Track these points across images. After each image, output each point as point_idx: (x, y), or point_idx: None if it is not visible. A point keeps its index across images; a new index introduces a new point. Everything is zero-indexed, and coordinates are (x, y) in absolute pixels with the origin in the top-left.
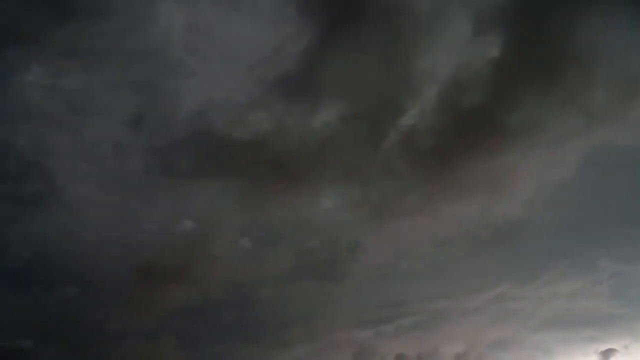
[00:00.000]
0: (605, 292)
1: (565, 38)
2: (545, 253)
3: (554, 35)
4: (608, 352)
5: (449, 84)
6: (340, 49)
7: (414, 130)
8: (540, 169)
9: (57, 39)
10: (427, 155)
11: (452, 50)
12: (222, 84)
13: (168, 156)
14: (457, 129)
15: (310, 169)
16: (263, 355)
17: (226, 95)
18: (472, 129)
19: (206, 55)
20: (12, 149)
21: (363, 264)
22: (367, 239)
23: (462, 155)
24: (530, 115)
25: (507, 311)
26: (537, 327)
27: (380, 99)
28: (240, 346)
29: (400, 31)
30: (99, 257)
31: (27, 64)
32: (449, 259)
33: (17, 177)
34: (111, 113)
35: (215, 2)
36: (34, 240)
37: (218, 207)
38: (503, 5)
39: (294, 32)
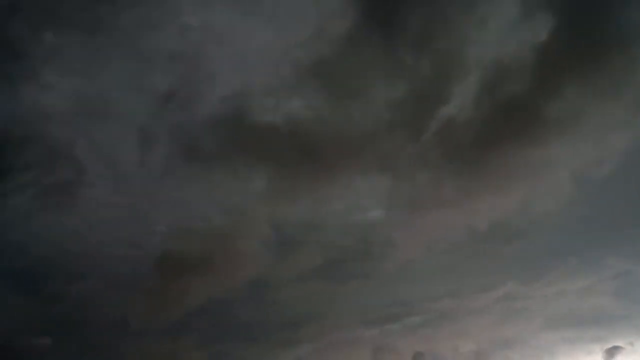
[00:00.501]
0: (612, 291)
1: (614, 22)
2: (553, 251)
3: (602, 19)
4: (613, 350)
5: (492, 72)
6: (380, 34)
7: (453, 120)
8: (577, 163)
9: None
10: (465, 146)
11: (498, 35)
12: (256, 66)
13: (194, 142)
14: (497, 119)
15: (344, 160)
16: (270, 354)
17: (260, 79)
18: (512, 119)
19: (241, 36)
20: (38, 139)
21: (392, 261)
22: (396, 235)
23: (499, 146)
24: (573, 105)
25: (514, 310)
26: (543, 325)
27: (421, 87)
28: (247, 345)
29: (444, 14)
30: (119, 252)
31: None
32: (462, 257)
33: (41, 168)
34: (141, 94)
35: None
36: (53, 236)
37: (243, 199)
38: None
39: (334, 15)
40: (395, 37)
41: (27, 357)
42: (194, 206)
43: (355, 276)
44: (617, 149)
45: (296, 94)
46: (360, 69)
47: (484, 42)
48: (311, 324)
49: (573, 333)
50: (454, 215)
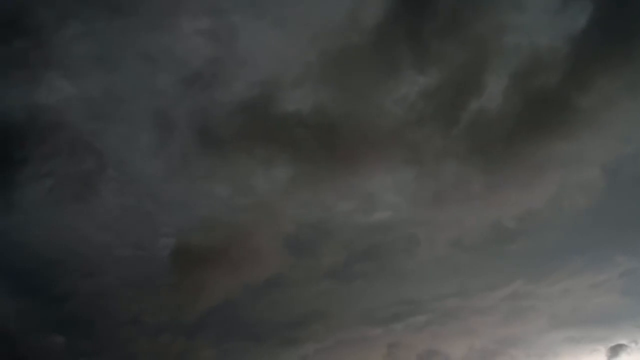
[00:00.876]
0: (618, 289)
1: None
2: (561, 248)
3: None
4: (617, 348)
5: (526, 62)
6: (411, 20)
7: (486, 112)
8: (607, 158)
9: None
10: (496, 139)
11: (534, 23)
12: (283, 55)
13: (215, 131)
14: (530, 111)
15: (371, 153)
16: (277, 352)
17: (287, 68)
18: (544, 111)
19: (268, 24)
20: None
21: (410, 259)
22: (417, 232)
23: (529, 139)
24: (606, 98)
25: (520, 309)
26: (549, 324)
27: (453, 77)
28: (255, 344)
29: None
30: (133, 250)
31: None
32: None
33: (60, 160)
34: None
35: None
36: (66, 232)
37: (263, 194)
38: None
39: (364, 3)
40: (426, 23)
41: (41, 355)
42: (209, 202)
43: (365, 275)
44: None
45: (324, 83)
46: (390, 58)
47: (519, 29)
48: (319, 323)
49: (578, 332)
50: (478, 212)
